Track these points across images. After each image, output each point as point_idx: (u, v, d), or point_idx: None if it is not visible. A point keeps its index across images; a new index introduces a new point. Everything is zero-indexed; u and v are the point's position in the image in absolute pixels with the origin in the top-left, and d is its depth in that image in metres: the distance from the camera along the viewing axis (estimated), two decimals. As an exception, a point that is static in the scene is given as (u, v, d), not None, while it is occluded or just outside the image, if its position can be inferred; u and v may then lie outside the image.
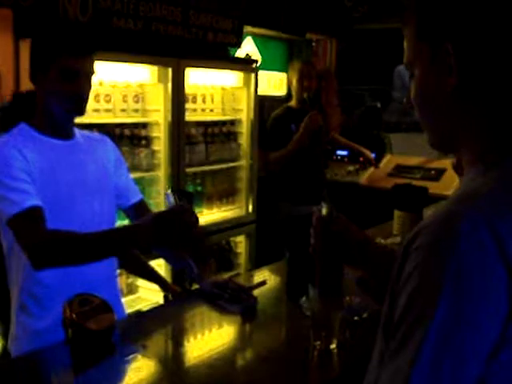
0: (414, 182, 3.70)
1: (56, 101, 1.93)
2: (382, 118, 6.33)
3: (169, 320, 2.12)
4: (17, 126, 1.97)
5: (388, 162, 5.27)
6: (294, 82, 4.19)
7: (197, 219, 1.83)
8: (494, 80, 0.85)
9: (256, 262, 4.30)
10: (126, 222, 2.48)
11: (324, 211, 1.47)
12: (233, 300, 2.06)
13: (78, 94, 1.93)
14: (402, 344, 0.77)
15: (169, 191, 1.91)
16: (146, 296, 3.84)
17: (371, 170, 5.20)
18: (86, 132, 2.20)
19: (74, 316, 1.68)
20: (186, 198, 1.89)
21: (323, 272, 1.50)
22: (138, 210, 2.25)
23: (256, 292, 2.17)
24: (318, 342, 1.71)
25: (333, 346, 1.70)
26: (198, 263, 1.92)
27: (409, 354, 0.75)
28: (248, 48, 4.93)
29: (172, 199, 1.86)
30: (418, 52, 0.93)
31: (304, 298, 1.97)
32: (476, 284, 0.74)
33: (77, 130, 2.10)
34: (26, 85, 2.93)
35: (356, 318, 1.92)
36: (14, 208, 1.78)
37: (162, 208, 3.71)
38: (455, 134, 0.92)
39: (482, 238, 0.75)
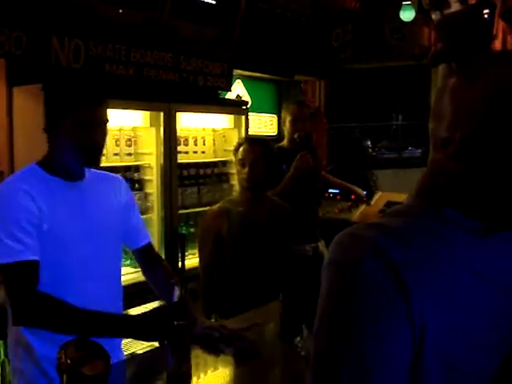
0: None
1: (71, 151, 1.94)
2: (373, 156, 6.38)
3: (164, 363, 2.11)
4: (29, 166, 1.99)
5: (379, 198, 5.30)
6: (288, 123, 4.24)
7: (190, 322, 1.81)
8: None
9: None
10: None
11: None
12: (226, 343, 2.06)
13: (95, 144, 1.94)
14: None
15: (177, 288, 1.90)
16: (140, 339, 3.81)
17: (363, 207, 5.23)
18: (98, 171, 2.19)
19: (68, 361, 1.68)
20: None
21: None
22: (146, 253, 2.28)
23: (250, 333, 2.17)
24: (314, 382, 1.71)
25: (328, 385, 1.70)
26: (175, 352, 1.92)
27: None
28: (238, 90, 5.01)
29: (177, 291, 1.86)
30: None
31: (298, 338, 1.98)
32: (374, 304, 0.82)
33: (88, 171, 2.10)
34: (19, 131, 2.99)
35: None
36: (10, 257, 1.80)
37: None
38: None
39: (379, 264, 0.83)
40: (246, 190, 3.04)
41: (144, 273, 2.34)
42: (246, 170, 2.97)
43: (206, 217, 3.16)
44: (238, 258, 3.00)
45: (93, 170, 2.15)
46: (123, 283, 2.28)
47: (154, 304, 3.45)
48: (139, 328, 1.80)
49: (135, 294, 2.71)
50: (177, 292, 1.89)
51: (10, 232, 1.83)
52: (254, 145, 3.05)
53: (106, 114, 1.98)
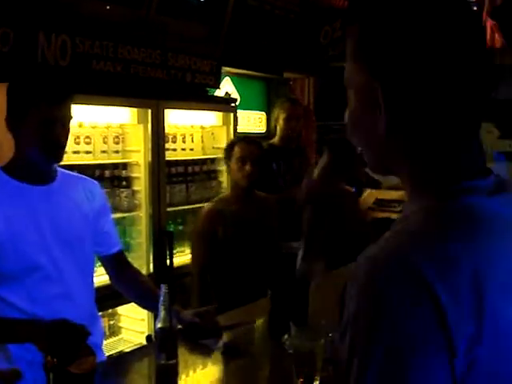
0: (394, 216, 3.75)
1: (33, 149, 1.91)
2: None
3: (151, 361, 2.10)
4: None
5: (368, 196, 5.32)
6: (281, 120, 4.24)
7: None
8: (421, 114, 0.81)
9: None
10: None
11: None
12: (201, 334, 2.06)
13: (56, 141, 1.90)
14: None
15: (164, 286, 1.87)
16: (128, 337, 3.81)
17: (351, 204, 5.24)
18: (74, 174, 2.17)
19: (55, 360, 1.67)
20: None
21: None
22: (117, 260, 2.26)
23: (239, 330, 2.17)
24: (301, 380, 1.71)
25: (316, 382, 1.70)
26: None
27: None
28: (227, 88, 5.00)
29: (163, 295, 1.85)
30: (352, 73, 0.88)
31: (286, 336, 1.98)
32: (409, 325, 0.71)
33: (61, 173, 2.08)
34: (4, 129, 2.96)
35: (338, 353, 1.92)
36: None
37: (144, 248, 3.72)
38: (390, 160, 0.88)
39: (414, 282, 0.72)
40: (241, 187, 3.09)
41: (114, 279, 2.32)
42: (248, 167, 3.02)
43: (199, 218, 3.18)
44: (232, 256, 3.03)
45: (67, 172, 2.13)
46: (97, 284, 2.26)
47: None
48: (41, 335, 1.75)
49: (109, 296, 2.69)
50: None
51: None
52: (252, 143, 3.12)
53: (69, 111, 1.95)
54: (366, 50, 0.83)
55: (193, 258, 3.17)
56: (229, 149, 3.13)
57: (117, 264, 2.29)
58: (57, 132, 1.90)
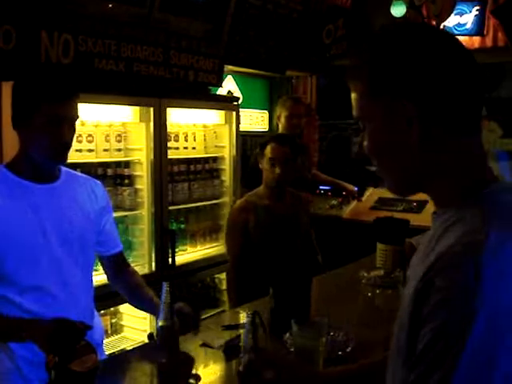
0: (396, 215, 3.74)
1: (39, 148, 1.90)
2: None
3: (153, 359, 2.10)
4: None
5: (371, 195, 5.31)
6: (283, 119, 4.23)
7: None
8: (452, 120, 0.99)
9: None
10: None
11: None
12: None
13: (62, 141, 1.89)
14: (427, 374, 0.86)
15: (166, 284, 1.86)
16: (130, 336, 3.81)
17: (354, 203, 5.24)
18: (77, 174, 2.17)
19: (56, 358, 1.67)
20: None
21: None
22: (116, 261, 2.27)
23: (241, 329, 2.18)
24: (303, 378, 1.71)
25: (317, 381, 1.70)
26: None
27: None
28: (229, 86, 5.00)
29: (165, 293, 1.84)
30: (371, 108, 1.03)
31: (288, 334, 1.98)
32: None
33: (65, 172, 2.08)
34: (9, 127, 2.96)
35: (340, 352, 1.92)
36: None
37: (146, 246, 3.72)
38: (423, 175, 1.03)
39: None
40: (271, 186, 3.18)
41: (111, 278, 2.33)
42: (277, 170, 3.10)
43: (232, 210, 3.30)
44: (263, 248, 3.12)
45: (70, 171, 2.13)
46: (99, 283, 2.26)
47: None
48: (42, 334, 1.73)
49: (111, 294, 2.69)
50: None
51: None
52: (284, 144, 3.15)
53: (76, 110, 1.94)
54: (387, 84, 1.00)
55: (228, 249, 3.25)
56: (262, 147, 3.19)
57: (115, 264, 2.29)
58: (64, 132, 1.89)
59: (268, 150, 3.12)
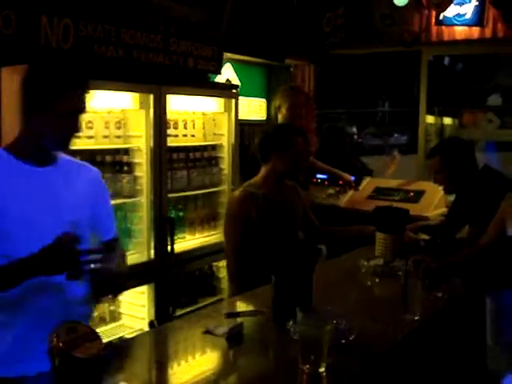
0: (394, 204, 3.75)
1: (53, 134, 1.93)
2: (358, 142, 6.42)
3: (153, 347, 2.11)
4: None
5: (368, 184, 5.31)
6: (284, 109, 4.21)
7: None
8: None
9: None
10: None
11: None
12: None
13: (75, 129, 1.95)
14: None
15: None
16: (129, 323, 3.81)
17: (351, 192, 5.24)
18: (73, 159, 2.18)
19: (61, 344, 1.67)
20: None
21: None
22: (110, 247, 2.25)
23: (244, 316, 2.19)
24: (307, 366, 1.71)
25: (321, 369, 1.71)
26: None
27: None
28: (227, 74, 4.98)
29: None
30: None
31: (291, 322, 1.98)
32: None
33: (63, 157, 2.08)
34: (8, 111, 2.95)
35: (343, 340, 1.93)
36: None
37: (145, 234, 3.71)
38: None
39: None
40: (279, 174, 3.23)
41: None
42: (305, 162, 3.38)
43: (232, 202, 3.26)
44: (266, 237, 3.11)
45: (68, 157, 2.13)
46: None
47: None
48: (38, 261, 1.79)
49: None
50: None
51: None
52: (304, 137, 3.29)
53: (87, 102, 1.98)
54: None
55: (226, 238, 3.23)
56: (286, 140, 3.21)
57: (109, 251, 2.27)
58: (77, 122, 1.94)
59: (296, 143, 3.19)
